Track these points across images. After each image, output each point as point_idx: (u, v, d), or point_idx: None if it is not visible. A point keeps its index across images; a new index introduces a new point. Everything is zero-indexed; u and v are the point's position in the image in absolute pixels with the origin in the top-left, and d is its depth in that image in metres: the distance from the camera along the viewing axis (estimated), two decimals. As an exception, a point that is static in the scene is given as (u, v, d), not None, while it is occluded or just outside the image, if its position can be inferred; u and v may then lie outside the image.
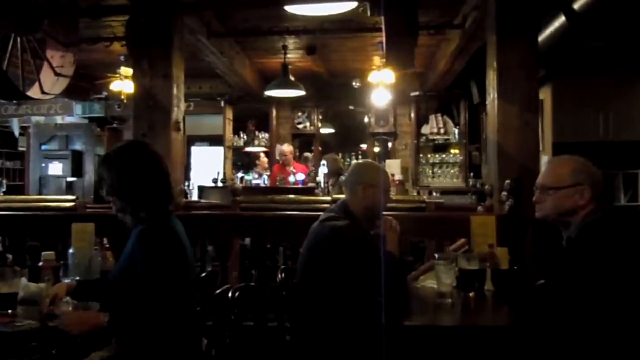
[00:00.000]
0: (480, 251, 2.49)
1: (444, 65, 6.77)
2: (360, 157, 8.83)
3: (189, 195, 7.06)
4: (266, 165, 7.57)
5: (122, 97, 7.07)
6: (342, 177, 6.68)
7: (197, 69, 6.99)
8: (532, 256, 3.24)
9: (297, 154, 9.03)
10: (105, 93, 8.70)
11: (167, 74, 4.07)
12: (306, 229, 2.54)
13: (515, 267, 2.55)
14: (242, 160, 9.94)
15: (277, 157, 7.43)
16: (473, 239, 2.78)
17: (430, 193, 7.81)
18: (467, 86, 8.04)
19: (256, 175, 7.14)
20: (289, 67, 6.75)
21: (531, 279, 2.13)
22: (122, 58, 6.80)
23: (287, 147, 7.36)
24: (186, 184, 7.06)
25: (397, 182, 6.70)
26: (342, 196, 2.66)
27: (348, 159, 8.80)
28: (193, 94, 8.69)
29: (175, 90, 4.13)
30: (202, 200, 6.37)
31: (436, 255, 2.37)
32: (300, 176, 6.73)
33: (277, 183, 6.83)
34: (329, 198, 4.17)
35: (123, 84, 6.94)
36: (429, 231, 3.48)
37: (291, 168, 7.12)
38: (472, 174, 8.13)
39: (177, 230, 2.14)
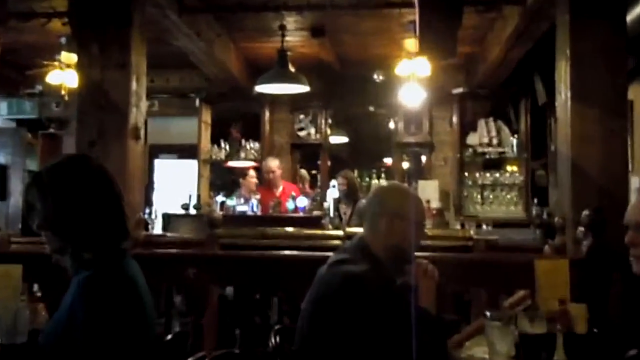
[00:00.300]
0: (549, 308, 2.46)
1: (498, 53, 6.78)
2: (383, 176, 8.83)
3: (150, 227, 7.04)
4: (254, 187, 7.61)
5: (63, 92, 7.10)
6: (360, 204, 6.69)
7: (164, 57, 7.03)
8: (620, 315, 3.20)
9: (299, 171, 9.06)
10: (39, 87, 8.75)
11: (124, 62, 4.10)
12: (310, 276, 2.54)
13: (596, 330, 2.53)
14: (223, 179, 9.94)
15: (272, 174, 7.44)
16: (538, 291, 2.76)
17: (479, 226, 7.76)
18: (530, 82, 8.03)
19: (242, 200, 7.14)
20: (288, 54, 6.78)
21: (618, 346, 2.10)
22: (62, 40, 6.84)
23: (272, 162, 7.46)
24: (147, 211, 7.05)
25: (433, 212, 6.68)
26: (360, 230, 2.65)
27: (367, 179, 8.81)
28: (158, 90, 8.73)
29: (134, 85, 4.15)
30: (169, 234, 6.36)
31: (488, 314, 2.35)
32: (302, 201, 6.72)
33: (271, 210, 6.82)
34: (341, 233, 4.16)
35: (64, 76, 6.98)
36: (478, 279, 3.46)
37: (279, 189, 7.18)
38: (535, 201, 8.10)
39: (133, 277, 2.13)
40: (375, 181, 8.67)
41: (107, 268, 2.09)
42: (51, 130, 9.39)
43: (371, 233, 2.56)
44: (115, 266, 2.11)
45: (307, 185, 8.56)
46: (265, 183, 7.42)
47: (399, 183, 3.20)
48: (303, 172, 8.98)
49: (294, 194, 6.86)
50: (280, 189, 7.33)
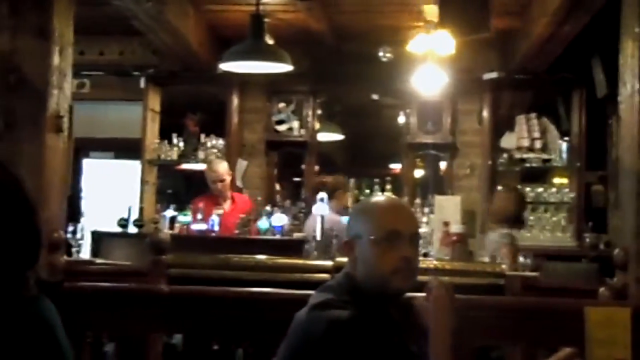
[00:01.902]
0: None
1: (544, 28, 6.82)
2: (388, 187, 8.82)
3: (74, 250, 7.02)
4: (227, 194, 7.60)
5: (-39, 66, 7.10)
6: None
7: (98, 21, 7.02)
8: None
9: (276, 178, 9.06)
10: None
11: (44, 27, 4.08)
12: (286, 322, 2.55)
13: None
14: (174, 187, 9.95)
15: (241, 182, 7.49)
16: (590, 347, 2.76)
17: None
18: (587, 67, 8.07)
19: (199, 215, 7.14)
20: (265, 21, 6.78)
21: None
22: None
23: (221, 166, 7.57)
24: (70, 228, 7.02)
25: (453, 238, 6.67)
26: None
27: (367, 191, 8.80)
28: (90, 65, 8.73)
29: (56, 59, 4.13)
30: (99, 260, 6.34)
31: (522, 378, 2.35)
32: (280, 219, 6.72)
33: (237, 230, 6.82)
34: (329, 263, 4.16)
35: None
36: (510, 331, 3.45)
37: (227, 202, 7.20)
38: (590, 225, 8.13)
39: (45, 317, 2.12)
40: (378, 194, 8.67)
41: (9, 303, 2.08)
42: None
43: (349, 266, 2.61)
44: (20, 302, 2.10)
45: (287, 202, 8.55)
46: (209, 193, 7.44)
47: (376, 197, 3.26)
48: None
49: (267, 209, 6.85)
50: (229, 202, 7.37)
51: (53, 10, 4.10)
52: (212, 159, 7.98)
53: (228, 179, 7.48)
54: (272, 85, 8.82)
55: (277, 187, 9.11)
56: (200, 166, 9.03)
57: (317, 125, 9.09)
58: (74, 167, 9.57)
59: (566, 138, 8.52)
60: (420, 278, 2.60)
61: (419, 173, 9.17)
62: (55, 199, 4.24)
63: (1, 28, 4.07)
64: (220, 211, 7.05)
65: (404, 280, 2.53)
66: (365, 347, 2.36)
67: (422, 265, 3.43)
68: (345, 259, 2.72)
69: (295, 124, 9.02)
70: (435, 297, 2.56)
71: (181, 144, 9.04)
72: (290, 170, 9.32)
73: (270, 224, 6.69)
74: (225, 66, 6.84)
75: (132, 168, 9.31)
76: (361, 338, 2.37)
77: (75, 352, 2.25)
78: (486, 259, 7.33)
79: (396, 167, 9.63)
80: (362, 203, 2.89)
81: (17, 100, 4.05)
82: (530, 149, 8.58)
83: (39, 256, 2.21)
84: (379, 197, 2.99)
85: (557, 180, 8.72)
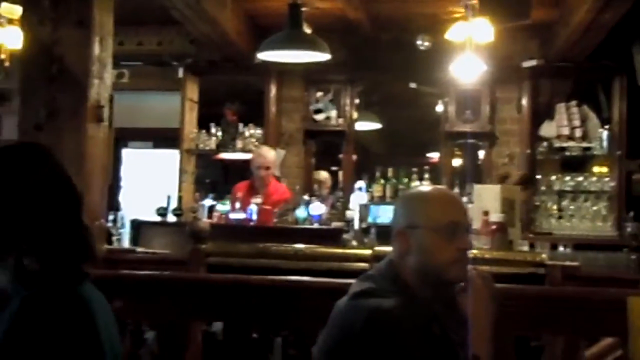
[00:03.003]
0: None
1: (584, 15, 6.76)
2: (426, 177, 8.80)
3: (115, 239, 7.09)
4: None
5: (3, 57, 7.15)
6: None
7: (137, 11, 7.06)
8: None
9: (313, 167, 9.06)
10: (-28, 49, 8.82)
11: (84, 18, 4.12)
12: (325, 311, 2.55)
13: None
14: (213, 176, 9.97)
15: (265, 171, 7.41)
16: (632, 337, 2.75)
17: (554, 248, 7.73)
18: (627, 54, 7.99)
19: (237, 204, 7.16)
20: (303, 10, 6.79)
21: None
22: (4, -12, 6.90)
23: (270, 153, 7.47)
24: (111, 217, 7.09)
25: (492, 227, 6.64)
26: (390, 249, 2.66)
27: (405, 180, 8.78)
28: (129, 56, 8.77)
29: (97, 49, 4.17)
30: (139, 249, 6.40)
31: (563, 368, 2.34)
32: (318, 209, 6.71)
33: (275, 220, 6.83)
34: (368, 252, 4.16)
35: (4, 34, 7.03)
36: (551, 321, 3.44)
37: (264, 192, 7.11)
38: (631, 214, 8.05)
39: (91, 303, 2.14)
40: (416, 183, 8.65)
41: (58, 287, 2.10)
42: (-13, 106, 9.48)
43: (396, 254, 2.58)
44: (68, 286, 2.12)
45: (325, 191, 8.53)
46: (250, 180, 7.38)
47: (424, 186, 3.23)
48: (323, 174, 8.95)
49: (305, 197, 6.84)
50: (266, 191, 7.27)
51: (93, 1, 4.14)
52: (261, 146, 7.92)
53: (273, 167, 7.41)
54: (310, 75, 8.82)
55: (326, 174, 9.06)
56: (239, 155, 9.07)
57: (355, 114, 9.07)
58: (114, 157, 9.66)
59: (606, 126, 8.44)
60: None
61: (457, 162, 9.11)
62: (97, 188, 4.28)
63: (43, 20, 4.12)
64: (259, 200, 7.06)
65: (461, 271, 2.54)
66: (406, 336, 2.36)
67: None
68: (385, 248, 2.72)
69: (333, 113, 9.01)
70: (475, 287, 2.55)
71: (219, 134, 9.08)
72: (328, 159, 9.30)
73: (308, 213, 6.68)
74: (263, 55, 6.86)
75: (170, 157, 9.35)
76: (402, 327, 2.37)
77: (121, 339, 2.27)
78: (526, 248, 7.32)
79: (434, 156, 9.57)
80: (416, 192, 2.83)
81: (58, 90, 4.09)
82: (570, 138, 8.51)
83: (93, 248, 2.25)
84: (430, 187, 2.98)
85: (597, 169, 8.64)
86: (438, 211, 2.57)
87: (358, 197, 7.35)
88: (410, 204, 2.66)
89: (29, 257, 2.13)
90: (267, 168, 7.28)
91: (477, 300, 2.54)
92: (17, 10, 6.42)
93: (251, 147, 8.95)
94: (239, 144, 9.03)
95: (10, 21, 6.86)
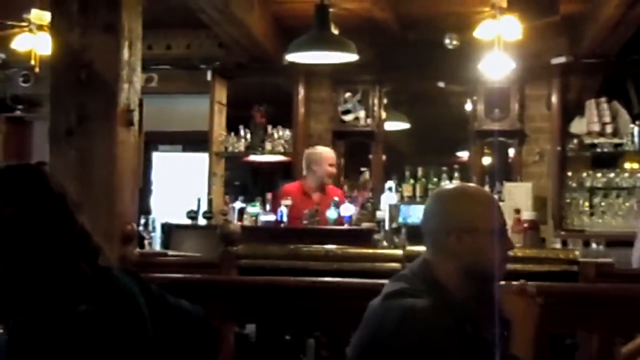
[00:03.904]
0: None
1: (614, 10, 6.72)
2: (456, 175, 8.78)
3: (147, 242, 7.11)
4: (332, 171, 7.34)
5: (33, 63, 7.20)
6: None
7: (165, 15, 7.09)
8: None
9: (343, 168, 9.05)
10: (2, 55, 8.87)
11: (113, 23, 4.13)
12: (358, 311, 2.55)
13: None
14: (242, 178, 10.01)
15: (307, 171, 7.32)
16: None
17: (586, 245, 7.67)
18: (657, 49, 7.94)
19: (268, 207, 7.16)
20: (330, 11, 6.79)
21: None
22: (33, -6, 6.94)
23: (331, 153, 7.24)
24: (142, 221, 7.11)
25: (525, 225, 6.60)
26: (421, 249, 2.65)
27: (435, 179, 8.76)
28: (158, 59, 8.81)
29: (126, 54, 4.18)
30: (171, 252, 6.41)
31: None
32: (348, 209, 6.71)
33: (305, 222, 6.82)
34: (400, 252, 4.14)
35: (35, 40, 7.07)
36: (585, 318, 3.42)
37: (316, 193, 6.98)
38: (665, 211, 8.01)
39: (91, 318, 2.12)
40: (446, 182, 8.63)
41: (50, 311, 2.08)
42: (17, 112, 9.52)
43: (435, 255, 2.57)
44: (63, 307, 2.09)
45: (365, 193, 8.43)
46: (321, 182, 7.12)
47: (464, 184, 3.20)
48: (365, 174, 8.89)
49: (336, 199, 6.83)
50: (318, 193, 7.13)
51: (122, 6, 4.15)
52: (317, 146, 7.65)
53: (334, 166, 7.21)
54: (337, 75, 8.82)
55: (367, 175, 9.00)
56: (268, 157, 9.09)
57: (384, 115, 9.07)
58: (144, 161, 9.69)
59: (637, 122, 8.40)
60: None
61: (486, 160, 9.08)
62: (127, 192, 4.29)
63: (72, 25, 4.14)
64: (288, 202, 7.03)
65: (505, 270, 2.60)
66: (440, 335, 2.37)
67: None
68: (416, 248, 2.71)
69: (362, 114, 9.01)
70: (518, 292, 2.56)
71: (248, 136, 9.10)
72: (357, 160, 9.30)
73: (338, 214, 6.67)
74: (291, 57, 6.87)
75: (200, 160, 9.39)
76: (436, 327, 2.38)
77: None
78: (558, 245, 7.27)
79: (463, 155, 9.55)
80: (461, 192, 2.77)
81: (88, 95, 4.11)
82: (601, 134, 8.46)
83: (96, 247, 2.25)
84: (471, 186, 2.96)
85: (628, 165, 8.58)
86: (491, 214, 2.59)
87: (388, 198, 7.34)
88: (461, 205, 2.63)
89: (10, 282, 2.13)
90: (333, 167, 7.11)
91: (521, 305, 2.54)
92: (46, 17, 6.47)
93: (280, 149, 8.96)
94: (268, 146, 9.05)
95: (40, 27, 6.91)
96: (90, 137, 4.06)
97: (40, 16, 6.84)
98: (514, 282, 2.59)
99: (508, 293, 2.55)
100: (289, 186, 7.37)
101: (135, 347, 2.16)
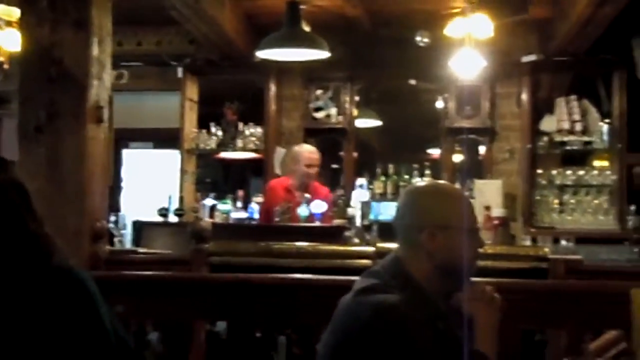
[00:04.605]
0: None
1: (583, 9, 6.75)
2: (427, 172, 8.81)
3: (116, 240, 7.09)
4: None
5: (2, 59, 7.15)
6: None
7: (136, 12, 7.05)
8: None
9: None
10: (-30, 52, 8.81)
11: (82, 19, 4.11)
12: (329, 308, 2.54)
13: None
14: (213, 176, 9.98)
15: (280, 170, 7.30)
16: (636, 330, 2.74)
17: (556, 242, 7.73)
18: (627, 48, 7.98)
19: (239, 204, 7.16)
20: (301, 8, 6.78)
21: None
22: (1, -11, 6.89)
23: (312, 150, 7.09)
24: (112, 218, 7.10)
25: (495, 222, 6.65)
26: (392, 246, 2.66)
27: (406, 176, 8.79)
28: (128, 56, 8.76)
29: (95, 50, 4.16)
30: (141, 250, 6.40)
31: (567, 362, 2.34)
32: (319, 207, 6.70)
33: (277, 218, 6.82)
34: (371, 249, 4.15)
35: (3, 36, 7.02)
36: (554, 315, 3.45)
37: (299, 193, 6.91)
38: (633, 208, 8.06)
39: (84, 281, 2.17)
40: (417, 179, 8.66)
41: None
42: (-13, 109, 9.47)
43: (407, 251, 2.57)
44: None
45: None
46: (300, 181, 6.92)
47: (437, 182, 3.21)
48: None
49: (307, 196, 6.80)
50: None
51: (92, 2, 4.14)
52: (302, 144, 7.50)
53: (317, 165, 6.96)
54: (309, 73, 8.81)
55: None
56: (239, 154, 9.07)
57: (355, 112, 9.06)
58: (114, 158, 9.66)
59: (607, 120, 8.43)
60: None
61: (457, 158, 9.11)
62: (97, 189, 4.28)
63: (41, 21, 4.12)
64: (259, 199, 7.02)
65: (475, 268, 2.60)
66: (411, 331, 2.37)
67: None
68: (388, 245, 2.71)
69: (333, 111, 9.01)
70: (480, 292, 2.56)
71: (219, 133, 9.06)
72: (328, 157, 9.30)
73: (310, 211, 6.66)
74: (262, 54, 6.86)
75: (171, 157, 9.36)
76: (407, 322, 2.38)
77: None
78: (528, 242, 7.31)
79: (435, 152, 9.56)
80: (439, 189, 2.76)
81: (58, 92, 4.09)
82: (571, 132, 8.50)
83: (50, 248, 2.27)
84: (447, 184, 2.98)
85: (598, 162, 8.63)
86: (464, 211, 2.59)
87: (359, 195, 7.34)
88: (434, 202, 2.62)
89: None
90: (315, 166, 6.93)
91: (481, 309, 2.55)
92: (15, 13, 6.42)
93: (251, 146, 8.93)
94: (239, 143, 9.02)
95: (9, 23, 6.86)
96: (59, 134, 4.04)
97: (9, 12, 6.79)
98: (476, 284, 2.58)
99: (468, 298, 2.55)
100: (274, 182, 7.34)
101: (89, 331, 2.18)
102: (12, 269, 2.19)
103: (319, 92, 9.04)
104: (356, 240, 6.20)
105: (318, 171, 7.03)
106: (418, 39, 8.07)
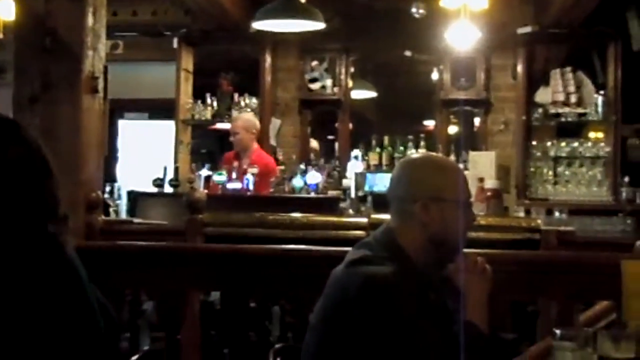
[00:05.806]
0: (640, 325, 2.46)
1: (579, -20, 6.73)
2: (422, 144, 8.81)
3: (112, 210, 7.09)
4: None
5: (-4, 29, 7.13)
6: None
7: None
8: None
9: (309, 136, 9.07)
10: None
11: (77, -11, 4.10)
12: (322, 278, 2.55)
13: None
14: (209, 146, 9.97)
15: (234, 137, 7.35)
16: (627, 300, 2.76)
17: (549, 213, 7.74)
18: (622, 20, 7.97)
19: (234, 174, 7.15)
20: (297, -21, 6.77)
21: None
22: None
23: (239, 119, 7.45)
24: (107, 189, 7.08)
25: (488, 194, 6.66)
26: (386, 218, 2.67)
27: (401, 148, 8.79)
28: (123, 26, 8.74)
29: (90, 20, 4.15)
30: (136, 220, 6.40)
31: (558, 332, 2.35)
32: (314, 177, 6.72)
33: (272, 189, 6.83)
34: (364, 220, 4.16)
35: (-2, 7, 6.99)
36: (546, 286, 3.45)
37: (244, 160, 7.06)
38: (627, 180, 8.07)
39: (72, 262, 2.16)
40: (412, 151, 8.66)
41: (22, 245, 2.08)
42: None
43: (400, 223, 2.57)
44: (36, 244, 2.10)
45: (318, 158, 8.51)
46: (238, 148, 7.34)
47: (432, 154, 3.22)
48: (312, 142, 8.94)
49: (306, 167, 6.81)
50: (247, 160, 7.20)
51: (86, -29, 4.12)
52: (241, 113, 7.87)
53: (243, 134, 7.29)
54: (304, 44, 8.80)
55: (314, 142, 9.08)
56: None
57: (350, 83, 9.06)
58: (109, 129, 9.64)
59: (602, 92, 8.42)
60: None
61: (452, 129, 9.12)
62: (93, 160, 4.28)
63: (36, -11, 4.10)
64: (255, 169, 7.03)
65: (466, 241, 2.60)
66: (402, 302, 2.37)
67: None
68: (381, 216, 2.71)
69: (328, 82, 9.00)
70: (470, 263, 2.57)
71: (215, 104, 9.04)
72: (323, 128, 9.30)
73: (304, 182, 6.68)
74: (258, 25, 6.84)
75: (166, 128, 9.34)
76: (398, 293, 2.38)
77: (115, 310, 2.27)
78: (521, 214, 7.31)
79: (430, 123, 9.57)
80: (433, 161, 2.76)
81: (53, 62, 4.08)
82: (565, 104, 8.50)
83: (57, 213, 2.25)
84: (442, 156, 3.00)
85: (592, 134, 8.64)
86: (458, 184, 2.60)
87: (354, 166, 7.36)
88: (428, 174, 2.62)
89: None
90: (235, 134, 7.21)
91: (471, 275, 2.56)
92: (9, -18, 6.38)
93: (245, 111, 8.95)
94: (235, 113, 8.98)
95: (4, -7, 6.83)
96: (54, 104, 4.03)
97: (4, -19, 6.76)
98: (467, 256, 2.59)
99: (459, 269, 2.56)
100: (228, 153, 7.58)
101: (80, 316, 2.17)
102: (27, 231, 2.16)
103: (314, 63, 9.02)
104: (351, 212, 6.22)
105: (240, 138, 7.28)
106: (413, 10, 8.05)
